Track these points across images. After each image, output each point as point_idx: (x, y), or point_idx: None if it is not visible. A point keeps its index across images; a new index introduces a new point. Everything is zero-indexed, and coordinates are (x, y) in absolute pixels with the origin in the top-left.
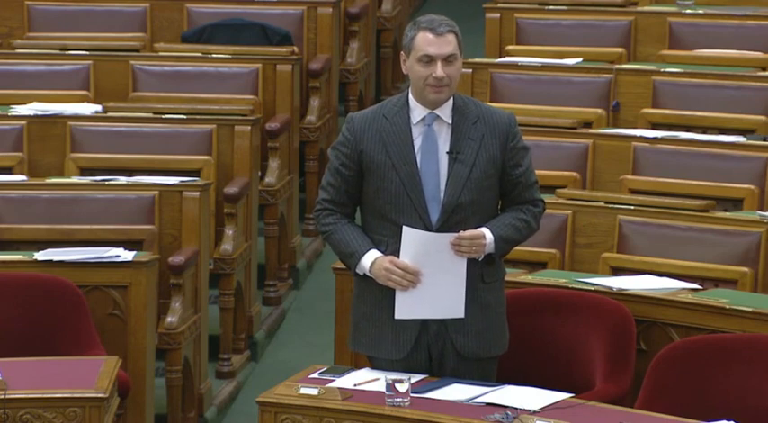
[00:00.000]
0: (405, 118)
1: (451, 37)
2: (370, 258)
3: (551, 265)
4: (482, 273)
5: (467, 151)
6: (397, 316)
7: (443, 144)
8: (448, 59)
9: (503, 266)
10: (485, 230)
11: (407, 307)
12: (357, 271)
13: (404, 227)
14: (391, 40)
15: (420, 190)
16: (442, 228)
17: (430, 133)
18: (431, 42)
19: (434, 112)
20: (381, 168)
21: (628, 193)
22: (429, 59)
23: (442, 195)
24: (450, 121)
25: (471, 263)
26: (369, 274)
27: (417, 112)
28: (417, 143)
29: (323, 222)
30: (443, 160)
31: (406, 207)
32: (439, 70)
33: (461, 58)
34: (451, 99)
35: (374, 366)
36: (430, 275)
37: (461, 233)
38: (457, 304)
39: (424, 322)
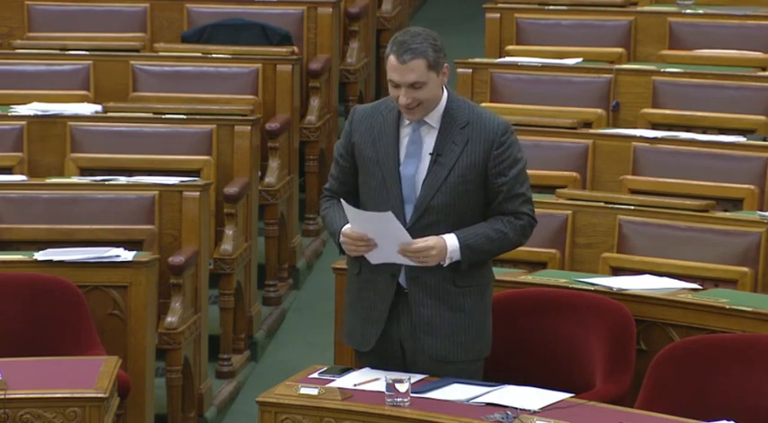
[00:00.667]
0: (396, 117)
1: (417, 63)
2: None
3: (551, 265)
4: (453, 277)
5: (448, 155)
6: (372, 261)
7: (429, 146)
8: (413, 86)
9: (487, 272)
10: (449, 238)
11: (377, 254)
12: (341, 248)
13: (343, 203)
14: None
15: (398, 189)
16: (415, 227)
17: (416, 135)
18: (395, 69)
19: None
20: (367, 163)
21: (628, 193)
22: (395, 85)
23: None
24: (437, 126)
25: (441, 266)
26: None
27: None
28: (404, 143)
29: (321, 207)
30: (425, 162)
31: (384, 204)
32: (402, 98)
33: (440, 74)
34: (443, 103)
35: (357, 358)
36: (383, 243)
37: (409, 243)
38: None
39: (393, 318)
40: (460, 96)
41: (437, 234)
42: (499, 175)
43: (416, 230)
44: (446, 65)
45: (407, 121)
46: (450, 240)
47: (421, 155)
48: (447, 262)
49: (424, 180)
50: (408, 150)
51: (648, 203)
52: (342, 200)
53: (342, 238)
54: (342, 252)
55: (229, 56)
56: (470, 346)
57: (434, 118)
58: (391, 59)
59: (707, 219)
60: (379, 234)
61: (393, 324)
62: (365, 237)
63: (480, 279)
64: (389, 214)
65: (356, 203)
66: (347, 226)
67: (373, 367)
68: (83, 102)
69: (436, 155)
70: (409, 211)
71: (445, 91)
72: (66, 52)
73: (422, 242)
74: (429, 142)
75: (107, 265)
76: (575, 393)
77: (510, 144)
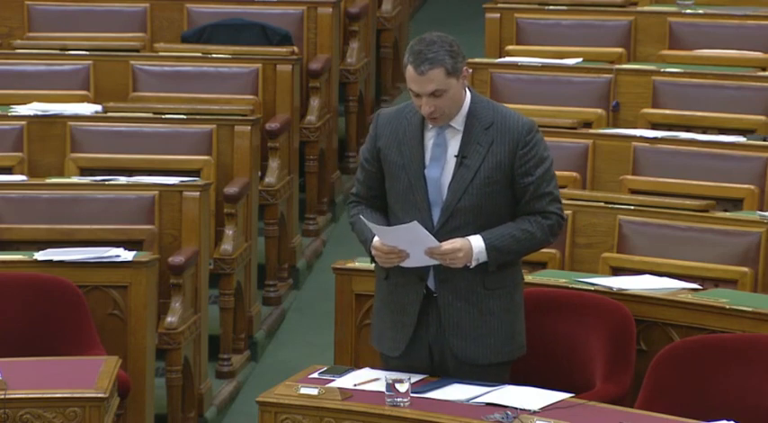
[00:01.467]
0: (420, 119)
1: (435, 73)
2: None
3: (551, 265)
4: (483, 279)
5: (473, 156)
6: (405, 266)
7: (453, 148)
8: (434, 94)
9: (517, 273)
10: (474, 239)
11: (410, 261)
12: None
13: (368, 223)
14: (391, 40)
15: (424, 192)
16: (442, 230)
17: (441, 138)
18: (414, 80)
19: None
20: (393, 167)
21: (628, 193)
22: (416, 94)
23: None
24: (461, 128)
25: (471, 268)
26: None
27: None
28: (429, 146)
29: (349, 214)
30: (450, 164)
31: (411, 207)
32: (425, 107)
33: (460, 78)
34: (467, 104)
35: (382, 362)
36: (411, 248)
37: (436, 246)
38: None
39: (422, 322)
40: (484, 97)
41: (465, 236)
42: (525, 174)
43: (444, 233)
44: (466, 67)
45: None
46: (476, 242)
47: (446, 157)
48: (474, 263)
49: (450, 183)
50: (433, 153)
51: (648, 203)
52: (362, 217)
53: (373, 252)
54: (373, 261)
55: (229, 56)
56: (499, 348)
57: (458, 120)
58: (409, 70)
59: (707, 219)
60: (408, 244)
61: (422, 327)
62: (396, 249)
63: (509, 281)
64: (415, 223)
65: (384, 207)
66: (377, 239)
67: (401, 371)
68: (83, 102)
69: (461, 157)
70: (436, 214)
71: (468, 92)
72: (67, 52)
73: (448, 244)
74: (454, 145)
75: (107, 265)
76: (575, 393)
77: (535, 143)
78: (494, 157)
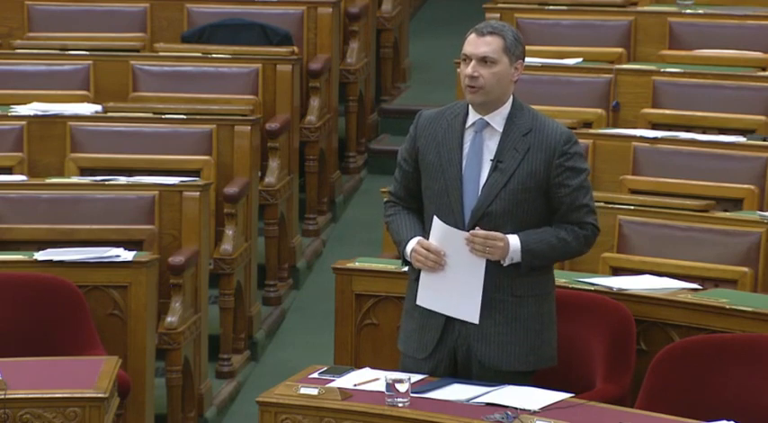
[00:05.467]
0: (461, 122)
1: (492, 38)
2: (412, 245)
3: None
4: (511, 285)
5: (509, 161)
6: (417, 301)
7: (490, 151)
8: (484, 60)
9: (547, 282)
10: (512, 237)
11: (428, 297)
12: (406, 258)
13: (434, 217)
14: (391, 40)
15: (459, 194)
16: None
17: (478, 139)
18: (471, 42)
19: (485, 118)
20: (430, 168)
21: (628, 193)
22: (465, 58)
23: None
24: (500, 130)
25: (500, 273)
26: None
27: (471, 116)
28: (466, 148)
29: (385, 213)
30: (486, 167)
31: (445, 209)
32: (469, 68)
33: (513, 65)
34: (508, 107)
35: (403, 365)
36: (451, 270)
37: (477, 231)
38: (473, 308)
39: (449, 325)
40: (525, 104)
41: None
42: (561, 185)
43: None
44: (522, 62)
45: (471, 122)
46: (513, 241)
47: (482, 160)
48: (507, 262)
49: (483, 186)
50: (470, 156)
51: (648, 203)
52: (435, 217)
53: (415, 246)
54: (404, 262)
55: (229, 56)
56: (524, 356)
57: (498, 120)
58: (471, 37)
59: (707, 219)
60: (456, 261)
61: (448, 331)
62: (440, 253)
63: (539, 289)
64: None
65: (420, 208)
66: (418, 240)
67: (426, 374)
68: (83, 102)
69: (497, 161)
70: (468, 216)
71: (511, 96)
72: (67, 52)
73: (488, 232)
74: (491, 147)
75: (107, 265)
76: (575, 393)
77: (572, 154)
78: (529, 164)
